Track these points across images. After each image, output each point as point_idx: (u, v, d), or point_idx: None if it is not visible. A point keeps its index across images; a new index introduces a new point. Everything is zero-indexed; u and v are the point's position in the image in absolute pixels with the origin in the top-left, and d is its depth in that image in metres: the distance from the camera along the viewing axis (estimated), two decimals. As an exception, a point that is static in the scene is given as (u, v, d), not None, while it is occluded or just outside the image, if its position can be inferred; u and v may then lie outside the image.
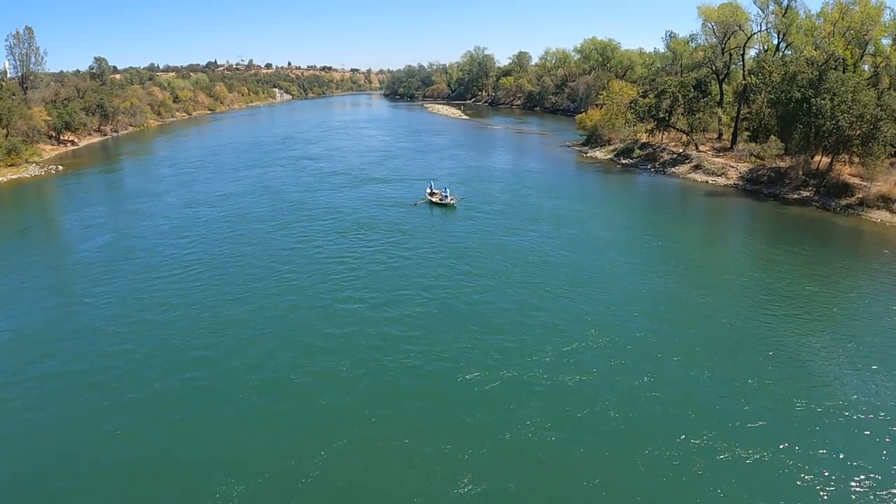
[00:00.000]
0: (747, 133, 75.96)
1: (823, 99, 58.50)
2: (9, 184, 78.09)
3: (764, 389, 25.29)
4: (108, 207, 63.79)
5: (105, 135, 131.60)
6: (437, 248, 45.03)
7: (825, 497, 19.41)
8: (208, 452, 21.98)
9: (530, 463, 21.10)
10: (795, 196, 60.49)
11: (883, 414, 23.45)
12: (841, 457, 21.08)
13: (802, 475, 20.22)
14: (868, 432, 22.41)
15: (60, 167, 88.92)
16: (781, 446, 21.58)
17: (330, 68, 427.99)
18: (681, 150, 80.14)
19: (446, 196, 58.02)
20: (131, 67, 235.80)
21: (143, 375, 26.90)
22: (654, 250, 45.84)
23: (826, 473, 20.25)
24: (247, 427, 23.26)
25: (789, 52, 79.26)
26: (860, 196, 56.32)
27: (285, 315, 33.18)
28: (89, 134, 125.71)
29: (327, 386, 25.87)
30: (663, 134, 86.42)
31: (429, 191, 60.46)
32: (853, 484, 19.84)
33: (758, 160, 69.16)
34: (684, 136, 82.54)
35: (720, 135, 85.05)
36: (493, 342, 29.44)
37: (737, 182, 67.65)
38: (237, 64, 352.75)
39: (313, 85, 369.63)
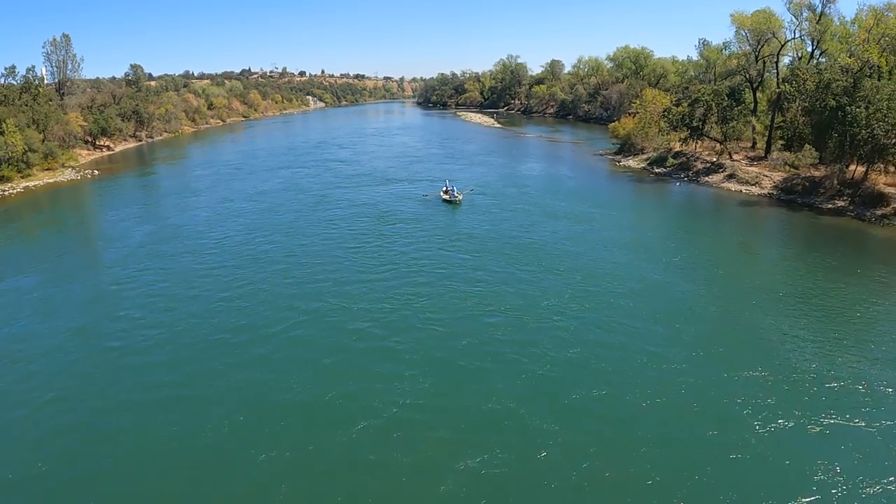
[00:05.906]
0: (781, 142, 74.83)
1: (858, 107, 57.47)
2: (45, 187, 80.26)
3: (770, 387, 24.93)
4: (150, 202, 71.22)
5: (140, 140, 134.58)
6: (439, 235, 51.06)
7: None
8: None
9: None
10: (830, 206, 59.33)
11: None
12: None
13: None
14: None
15: (96, 171, 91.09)
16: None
17: (363, 76, 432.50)
18: (714, 159, 79.17)
19: (454, 195, 63.38)
20: (166, 74, 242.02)
21: (201, 328, 33.27)
22: (680, 254, 45.29)
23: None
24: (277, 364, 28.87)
25: (823, 60, 77.88)
26: (896, 206, 55.28)
27: (301, 276, 40.95)
28: (125, 139, 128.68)
29: (336, 317, 33.57)
30: (697, 143, 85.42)
31: (444, 189, 66.30)
32: None
33: (792, 169, 68.01)
34: (718, 144, 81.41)
35: (754, 143, 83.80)
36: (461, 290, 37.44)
37: (771, 191, 66.55)
38: (271, 71, 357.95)
39: (346, 93, 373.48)
